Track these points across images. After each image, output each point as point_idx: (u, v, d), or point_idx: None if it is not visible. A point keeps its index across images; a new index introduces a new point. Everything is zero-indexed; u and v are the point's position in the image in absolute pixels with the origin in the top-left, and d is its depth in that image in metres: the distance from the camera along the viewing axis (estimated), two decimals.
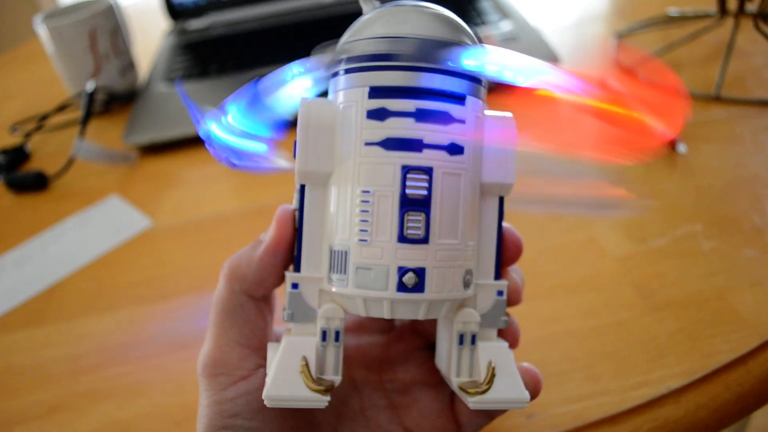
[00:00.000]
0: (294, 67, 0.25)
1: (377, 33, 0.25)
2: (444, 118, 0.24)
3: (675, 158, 0.51)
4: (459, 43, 0.25)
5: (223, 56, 0.77)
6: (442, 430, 0.30)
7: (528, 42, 0.67)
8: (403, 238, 0.24)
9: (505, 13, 0.72)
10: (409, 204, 0.24)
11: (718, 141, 0.53)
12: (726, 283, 0.40)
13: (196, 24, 0.85)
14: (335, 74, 0.26)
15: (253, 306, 0.27)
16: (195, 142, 0.65)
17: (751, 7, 0.63)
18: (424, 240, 0.24)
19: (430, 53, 0.24)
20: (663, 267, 0.42)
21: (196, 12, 0.85)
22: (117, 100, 0.74)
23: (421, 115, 0.24)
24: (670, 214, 0.46)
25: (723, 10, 0.64)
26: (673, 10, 0.74)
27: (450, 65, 0.24)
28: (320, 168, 0.25)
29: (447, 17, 0.26)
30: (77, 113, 0.71)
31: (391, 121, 0.24)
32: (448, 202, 0.24)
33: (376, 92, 0.24)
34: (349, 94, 0.25)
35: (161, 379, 0.40)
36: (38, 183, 0.62)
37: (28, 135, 0.71)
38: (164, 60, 0.79)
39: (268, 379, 0.25)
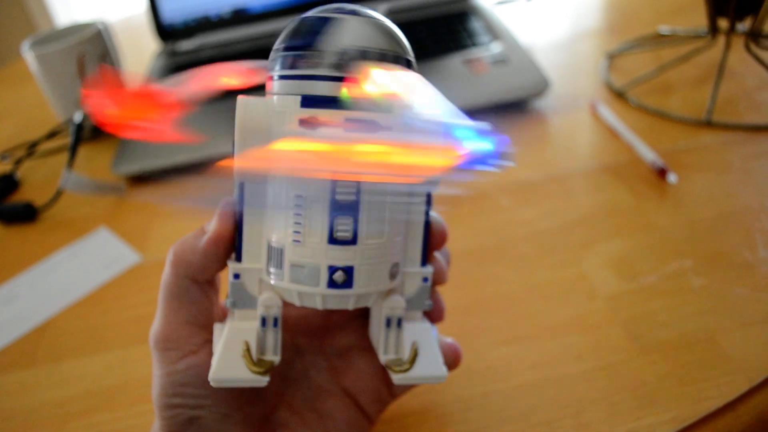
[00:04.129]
0: (232, 69, 0.26)
1: (312, 40, 0.26)
2: (371, 126, 0.26)
3: (665, 188, 0.51)
4: (391, 53, 0.26)
5: None
6: (374, 390, 0.34)
7: (518, 64, 0.66)
8: (333, 240, 0.26)
9: (495, 35, 0.72)
10: (339, 209, 0.26)
11: (709, 169, 0.53)
12: (716, 323, 0.40)
13: (186, 45, 0.85)
14: (270, 77, 0.27)
15: (197, 289, 0.29)
16: (184, 171, 0.65)
17: (743, 26, 0.63)
18: (353, 241, 0.26)
19: (359, 63, 0.25)
20: (653, 306, 0.41)
21: (186, 33, 0.84)
22: None
23: (350, 125, 0.25)
24: (660, 248, 0.46)
25: (714, 28, 0.64)
26: (664, 29, 0.74)
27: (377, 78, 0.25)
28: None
29: (384, 27, 0.27)
30: (67, 139, 0.71)
31: (322, 131, 0.25)
32: (375, 204, 0.26)
33: (307, 101, 0.25)
34: (283, 100, 0.26)
35: (150, 425, 0.39)
36: (27, 214, 0.62)
37: (17, 162, 0.71)
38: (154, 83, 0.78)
39: (213, 362, 0.27)
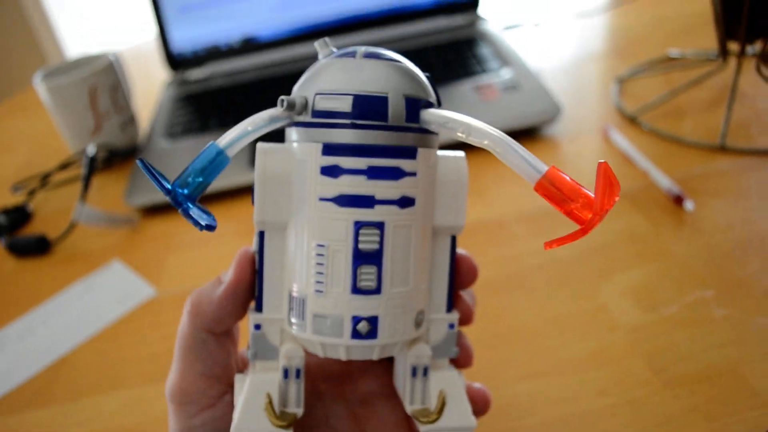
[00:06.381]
0: (253, 121, 0.25)
1: (331, 86, 0.25)
2: (395, 173, 0.25)
3: (682, 215, 0.51)
4: (413, 97, 0.25)
5: (223, 109, 0.77)
6: None
7: (529, 90, 0.66)
8: (356, 290, 0.25)
9: (505, 60, 0.72)
10: (362, 258, 0.25)
11: (725, 195, 0.52)
12: (739, 354, 0.39)
13: (196, 74, 0.85)
14: (290, 124, 0.26)
15: (214, 341, 0.29)
16: None
17: (752, 49, 0.63)
18: (377, 291, 0.25)
19: (382, 112, 0.25)
20: (675, 337, 0.41)
21: (196, 62, 0.85)
22: (118, 156, 0.74)
23: (372, 173, 0.25)
24: (680, 277, 0.45)
25: (724, 51, 0.64)
26: (673, 52, 0.74)
27: (401, 123, 0.25)
28: (277, 218, 0.26)
29: (404, 69, 0.26)
30: (79, 170, 0.71)
31: (344, 179, 0.25)
32: (399, 253, 0.26)
33: (329, 149, 0.25)
34: (304, 148, 0.26)
35: None
36: (40, 247, 0.62)
37: (31, 193, 0.71)
38: (164, 113, 0.78)
39: (235, 415, 0.26)
